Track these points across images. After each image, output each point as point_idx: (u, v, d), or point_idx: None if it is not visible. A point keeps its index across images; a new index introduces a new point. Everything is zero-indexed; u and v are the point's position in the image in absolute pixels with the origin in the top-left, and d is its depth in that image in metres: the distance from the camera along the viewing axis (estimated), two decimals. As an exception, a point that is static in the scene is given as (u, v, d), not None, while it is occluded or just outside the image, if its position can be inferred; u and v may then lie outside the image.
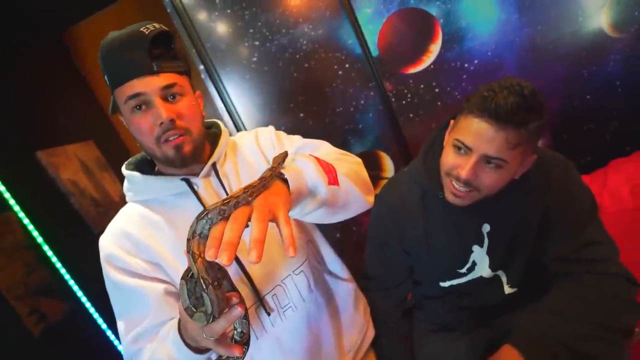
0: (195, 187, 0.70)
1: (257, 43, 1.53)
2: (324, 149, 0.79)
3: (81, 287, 1.75)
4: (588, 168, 1.47)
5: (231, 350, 0.49)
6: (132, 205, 0.72)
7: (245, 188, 0.47)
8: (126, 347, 0.67)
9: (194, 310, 0.46)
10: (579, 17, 1.38)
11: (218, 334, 0.47)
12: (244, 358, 0.52)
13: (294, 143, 0.80)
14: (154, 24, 0.62)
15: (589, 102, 1.47)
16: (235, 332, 0.52)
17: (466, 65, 1.49)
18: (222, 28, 1.53)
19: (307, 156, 0.61)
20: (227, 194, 0.71)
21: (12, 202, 1.59)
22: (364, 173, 0.75)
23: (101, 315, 1.79)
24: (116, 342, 1.82)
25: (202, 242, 0.44)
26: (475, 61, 1.48)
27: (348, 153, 0.78)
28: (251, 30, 1.52)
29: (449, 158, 0.75)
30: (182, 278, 0.47)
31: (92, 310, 1.77)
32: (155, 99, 0.62)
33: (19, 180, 1.65)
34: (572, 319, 0.73)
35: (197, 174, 0.71)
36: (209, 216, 0.43)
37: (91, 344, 1.70)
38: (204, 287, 0.43)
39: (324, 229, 0.88)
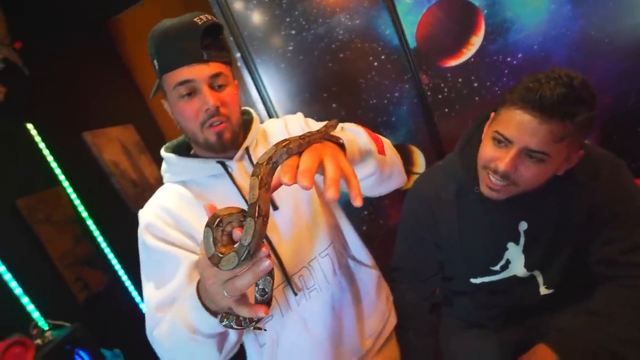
0: (229, 169, 0.73)
1: (293, 32, 1.54)
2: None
3: (120, 262, 1.87)
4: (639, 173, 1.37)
5: (255, 310, 0.45)
6: (170, 185, 0.76)
7: (314, 133, 0.47)
8: (150, 314, 0.66)
9: (221, 256, 0.41)
10: (641, 9, 1.28)
11: (241, 290, 0.43)
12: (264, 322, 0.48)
13: None
14: (206, 15, 0.65)
15: (646, 102, 1.36)
16: (257, 289, 0.47)
17: (509, 59, 1.43)
18: (259, 16, 1.55)
19: (356, 126, 0.62)
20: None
21: (61, 177, 1.72)
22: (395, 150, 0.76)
23: (136, 289, 1.91)
24: (148, 315, 1.93)
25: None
26: (520, 55, 1.41)
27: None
28: (288, 19, 1.53)
29: (487, 150, 0.73)
30: (207, 225, 0.43)
31: (128, 283, 1.90)
32: (203, 86, 0.66)
33: (68, 158, 1.78)
34: (615, 321, 0.70)
35: (231, 158, 0.74)
36: (290, 146, 0.43)
37: (126, 314, 1.82)
38: (256, 215, 0.40)
39: (349, 220, 0.88)
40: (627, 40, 1.31)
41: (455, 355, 0.92)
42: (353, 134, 0.59)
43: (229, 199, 0.72)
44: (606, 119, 1.41)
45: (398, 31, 1.47)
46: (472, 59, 1.46)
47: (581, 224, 0.75)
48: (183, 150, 0.79)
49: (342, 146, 0.54)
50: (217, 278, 0.44)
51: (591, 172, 0.74)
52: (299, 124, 0.82)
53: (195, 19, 0.64)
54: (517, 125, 0.66)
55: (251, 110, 0.83)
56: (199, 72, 0.65)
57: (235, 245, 0.42)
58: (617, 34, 1.31)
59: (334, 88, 1.58)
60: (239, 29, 1.56)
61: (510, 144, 0.68)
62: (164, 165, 0.77)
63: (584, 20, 1.32)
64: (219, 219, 0.43)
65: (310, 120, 0.85)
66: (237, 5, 1.54)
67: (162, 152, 0.77)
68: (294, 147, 0.43)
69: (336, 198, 0.39)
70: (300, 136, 0.45)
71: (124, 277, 1.88)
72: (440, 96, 1.53)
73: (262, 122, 0.87)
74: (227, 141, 0.70)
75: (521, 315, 0.88)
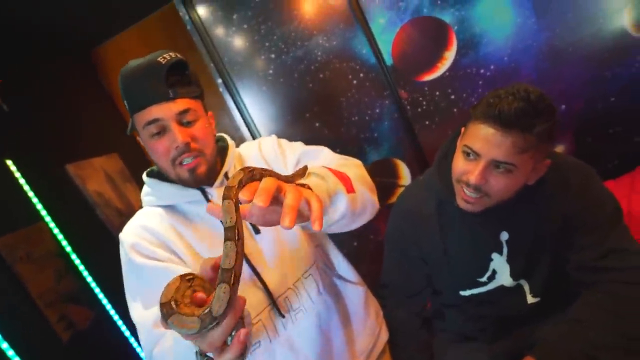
0: (209, 196, 0.73)
1: (273, 56, 1.57)
2: (325, 154, 0.81)
3: (106, 295, 1.81)
4: (615, 173, 1.41)
5: (240, 345, 0.42)
6: (150, 208, 0.76)
7: (279, 174, 0.49)
8: (147, 332, 0.63)
9: (207, 311, 0.39)
10: (600, 18, 1.35)
11: (223, 340, 0.41)
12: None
13: (295, 150, 0.83)
14: (170, 53, 0.67)
15: (614, 105, 1.42)
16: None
17: (482, 71, 1.48)
18: (239, 42, 1.58)
19: (322, 168, 0.63)
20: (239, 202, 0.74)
21: (43, 212, 1.68)
22: (366, 174, 0.76)
23: (125, 323, 1.84)
24: (139, 350, 1.86)
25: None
26: (492, 67, 1.47)
27: (347, 157, 0.80)
28: (267, 44, 1.57)
29: (458, 164, 0.75)
30: (167, 318, 0.40)
31: (116, 317, 1.83)
32: (172, 123, 0.67)
33: (50, 192, 1.74)
34: (595, 328, 0.70)
35: (211, 184, 0.74)
36: (254, 172, 0.45)
37: (115, 351, 1.74)
38: (237, 237, 0.40)
39: (340, 237, 0.89)
40: (588, 49, 1.38)
41: (449, 371, 0.91)
42: (319, 178, 0.58)
43: (209, 225, 0.72)
44: (578, 123, 1.46)
45: (374, 50, 1.52)
46: (447, 73, 1.50)
47: (556, 232, 0.77)
48: (164, 176, 0.78)
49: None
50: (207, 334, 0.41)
51: (561, 180, 0.76)
52: (272, 146, 0.84)
53: (159, 59, 0.65)
54: (482, 138, 0.68)
55: (225, 136, 0.84)
56: (166, 111, 0.66)
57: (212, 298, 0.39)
58: (578, 43, 1.38)
59: (316, 108, 1.61)
60: (219, 55, 1.59)
61: (479, 156, 0.70)
62: (145, 189, 0.77)
63: (548, 32, 1.39)
64: (172, 302, 0.41)
65: (284, 141, 0.86)
66: (217, 32, 1.58)
67: (144, 177, 0.77)
68: (257, 174, 0.45)
69: (290, 226, 0.39)
70: (263, 168, 0.46)
71: (112, 312, 1.82)
72: (419, 110, 1.56)
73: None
74: (201, 175, 0.71)
75: (511, 325, 0.88)
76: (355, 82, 1.57)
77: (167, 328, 0.40)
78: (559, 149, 1.50)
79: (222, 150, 0.80)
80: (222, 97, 1.63)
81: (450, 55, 1.49)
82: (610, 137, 1.46)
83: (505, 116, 0.64)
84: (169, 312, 0.40)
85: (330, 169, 0.63)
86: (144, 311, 0.65)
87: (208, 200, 0.73)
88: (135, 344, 1.84)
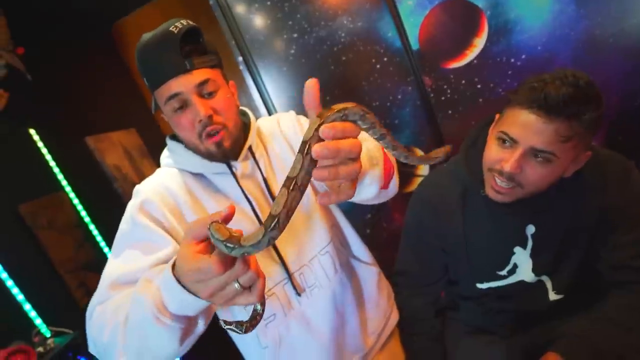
0: (234, 169, 0.73)
1: (295, 35, 1.53)
2: None
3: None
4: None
5: (262, 288, 0.43)
6: (171, 169, 0.74)
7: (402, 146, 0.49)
8: (102, 288, 0.59)
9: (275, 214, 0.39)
10: (646, 8, 1.26)
11: (253, 278, 0.41)
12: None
13: None
14: (182, 21, 0.63)
15: (652, 102, 1.35)
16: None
17: (512, 60, 1.42)
18: (261, 20, 1.55)
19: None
20: (262, 175, 0.75)
21: (64, 182, 1.72)
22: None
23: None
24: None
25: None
26: (523, 56, 1.40)
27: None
28: (290, 22, 1.52)
29: (492, 151, 0.72)
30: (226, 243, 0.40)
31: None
32: (192, 97, 0.64)
33: (70, 162, 1.78)
34: (627, 328, 0.68)
35: (236, 158, 0.73)
36: (367, 116, 0.43)
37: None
38: (305, 152, 0.40)
39: (353, 224, 0.88)
40: (631, 40, 1.29)
41: (462, 361, 0.90)
42: (370, 163, 0.57)
43: (233, 198, 0.72)
44: (613, 119, 1.39)
45: (400, 33, 1.46)
46: (475, 61, 1.44)
47: (590, 228, 0.74)
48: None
49: None
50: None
51: (599, 174, 0.73)
52: (291, 123, 0.82)
53: (171, 28, 0.62)
54: (522, 125, 0.65)
55: (247, 110, 0.82)
56: (185, 83, 0.64)
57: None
58: (621, 33, 1.30)
59: (337, 91, 1.57)
60: (240, 32, 1.55)
61: (516, 144, 0.67)
62: (166, 152, 0.76)
63: (588, 20, 1.31)
64: (233, 233, 0.41)
65: (302, 118, 0.84)
66: (239, 9, 1.54)
67: (168, 140, 0.76)
68: (370, 119, 0.43)
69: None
70: (377, 121, 0.44)
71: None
72: (443, 98, 1.51)
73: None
74: (227, 149, 0.70)
75: (530, 321, 0.86)
76: (378, 66, 1.52)
77: (241, 254, 0.40)
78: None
79: (244, 126, 0.79)
80: (241, 76, 1.61)
81: (479, 42, 1.42)
82: (645, 135, 1.39)
83: (553, 101, 0.60)
84: (236, 239, 0.41)
85: (385, 155, 0.61)
86: (113, 266, 0.62)
87: (233, 173, 0.73)
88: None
